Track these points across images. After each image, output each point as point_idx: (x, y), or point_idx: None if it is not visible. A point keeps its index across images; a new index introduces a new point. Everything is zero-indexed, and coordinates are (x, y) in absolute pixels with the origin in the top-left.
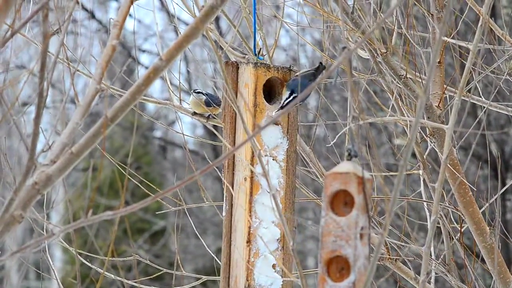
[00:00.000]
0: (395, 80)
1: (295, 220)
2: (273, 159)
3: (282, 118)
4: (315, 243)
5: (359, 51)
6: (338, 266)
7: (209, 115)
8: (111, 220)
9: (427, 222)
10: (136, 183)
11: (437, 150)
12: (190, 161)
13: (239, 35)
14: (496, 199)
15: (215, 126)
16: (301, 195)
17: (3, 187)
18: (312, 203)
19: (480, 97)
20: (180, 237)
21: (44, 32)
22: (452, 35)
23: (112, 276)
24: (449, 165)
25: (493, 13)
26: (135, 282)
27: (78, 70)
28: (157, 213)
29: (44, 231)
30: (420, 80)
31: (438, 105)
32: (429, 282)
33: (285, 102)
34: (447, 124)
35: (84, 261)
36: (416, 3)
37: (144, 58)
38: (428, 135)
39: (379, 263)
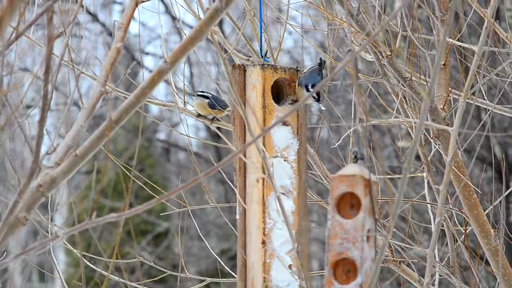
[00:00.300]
0: (399, 82)
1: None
2: (284, 160)
3: (291, 118)
4: (319, 246)
5: (364, 53)
6: (345, 268)
7: (214, 117)
8: (114, 222)
9: (431, 224)
10: (141, 184)
11: (442, 152)
12: (195, 163)
13: (244, 38)
14: (500, 202)
15: (218, 128)
16: None
17: (8, 189)
18: (315, 205)
19: (485, 99)
20: (184, 239)
21: (49, 35)
22: (457, 38)
23: (116, 278)
24: (453, 167)
25: (497, 15)
26: (138, 284)
27: (82, 72)
28: (161, 214)
29: (49, 233)
30: (425, 83)
31: (443, 107)
32: (433, 285)
33: (309, 89)
34: (451, 127)
35: (88, 263)
36: (421, 5)
37: (148, 61)
38: (433, 137)
39: (383, 265)
